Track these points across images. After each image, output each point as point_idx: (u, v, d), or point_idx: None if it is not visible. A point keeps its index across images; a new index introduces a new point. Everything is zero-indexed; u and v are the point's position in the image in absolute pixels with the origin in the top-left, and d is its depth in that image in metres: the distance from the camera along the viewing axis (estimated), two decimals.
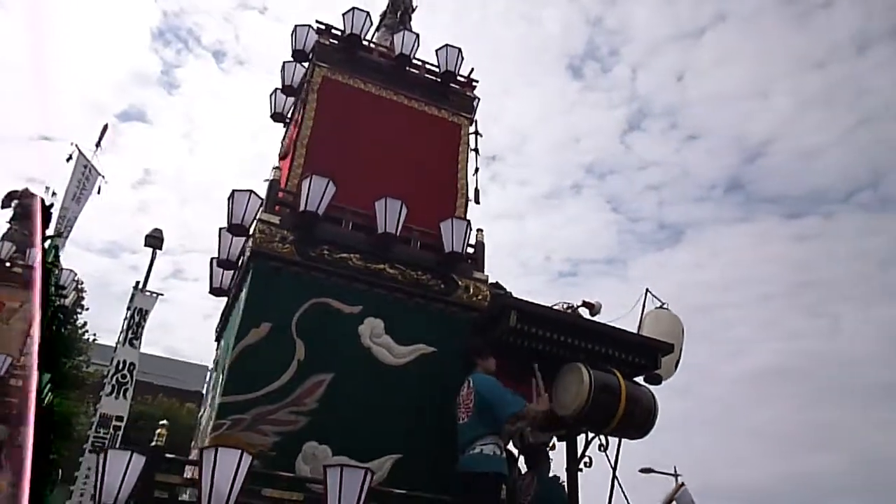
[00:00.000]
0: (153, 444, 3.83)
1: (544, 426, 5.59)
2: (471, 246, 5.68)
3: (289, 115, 7.24)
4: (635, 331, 6.06)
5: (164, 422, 4.11)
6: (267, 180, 7.10)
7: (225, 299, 6.31)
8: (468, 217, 6.00)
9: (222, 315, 6.26)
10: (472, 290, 5.44)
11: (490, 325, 5.27)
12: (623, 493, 5.28)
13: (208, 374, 6.05)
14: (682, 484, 5.66)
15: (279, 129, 7.41)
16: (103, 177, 8.08)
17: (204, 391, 6.06)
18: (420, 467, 4.57)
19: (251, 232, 5.16)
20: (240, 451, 3.70)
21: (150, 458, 3.78)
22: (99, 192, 8.03)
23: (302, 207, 5.03)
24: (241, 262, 5.70)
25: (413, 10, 7.71)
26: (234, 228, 5.28)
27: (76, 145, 7.90)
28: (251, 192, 5.38)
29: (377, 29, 7.60)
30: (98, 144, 8.05)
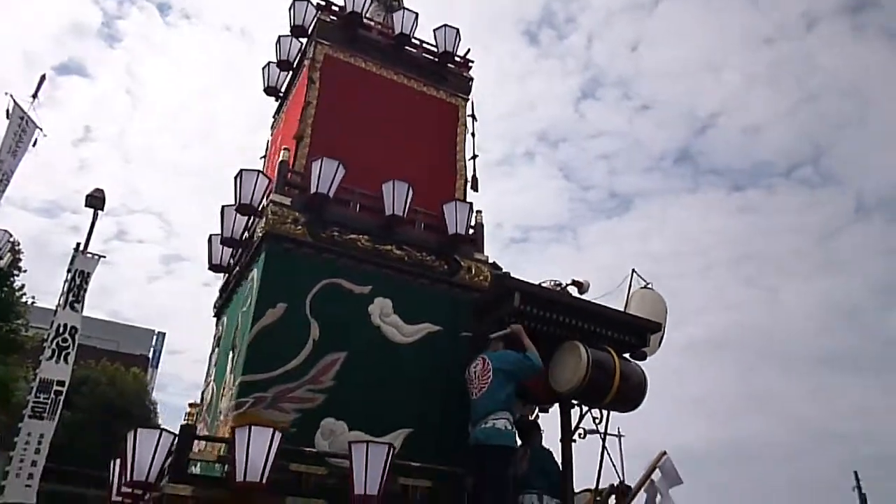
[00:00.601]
0: (184, 423, 3.95)
1: (537, 399, 5.93)
2: (471, 227, 5.85)
3: (282, 90, 7.21)
4: (622, 309, 6.40)
5: (192, 401, 4.23)
6: (263, 157, 7.13)
7: (223, 275, 6.38)
8: (467, 198, 6.18)
9: (222, 291, 6.32)
10: (473, 271, 5.64)
11: (492, 305, 5.51)
12: (613, 464, 5.66)
13: (213, 350, 6.11)
14: (665, 453, 6.06)
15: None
16: (41, 129, 7.69)
17: (208, 366, 6.14)
18: (429, 440, 4.81)
19: (263, 212, 5.22)
20: (272, 429, 3.87)
21: (182, 436, 3.91)
22: (35, 145, 7.62)
23: (313, 190, 5.12)
24: (244, 239, 5.76)
25: None
26: (243, 208, 5.33)
27: (10, 95, 7.49)
28: (259, 172, 5.43)
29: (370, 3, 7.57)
30: (35, 96, 7.58)
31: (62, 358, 7.10)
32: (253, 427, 3.82)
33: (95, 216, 8.12)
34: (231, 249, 6.09)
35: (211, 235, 6.15)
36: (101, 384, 20.27)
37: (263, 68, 7.27)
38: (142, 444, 3.94)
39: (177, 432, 3.97)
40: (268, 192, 5.41)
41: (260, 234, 5.05)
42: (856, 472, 30.23)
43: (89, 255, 7.68)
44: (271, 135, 7.44)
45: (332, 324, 4.89)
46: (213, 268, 6.21)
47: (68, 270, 7.53)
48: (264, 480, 3.76)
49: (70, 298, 7.42)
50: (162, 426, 4.10)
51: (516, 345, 5.00)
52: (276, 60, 6.96)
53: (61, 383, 6.96)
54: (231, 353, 5.13)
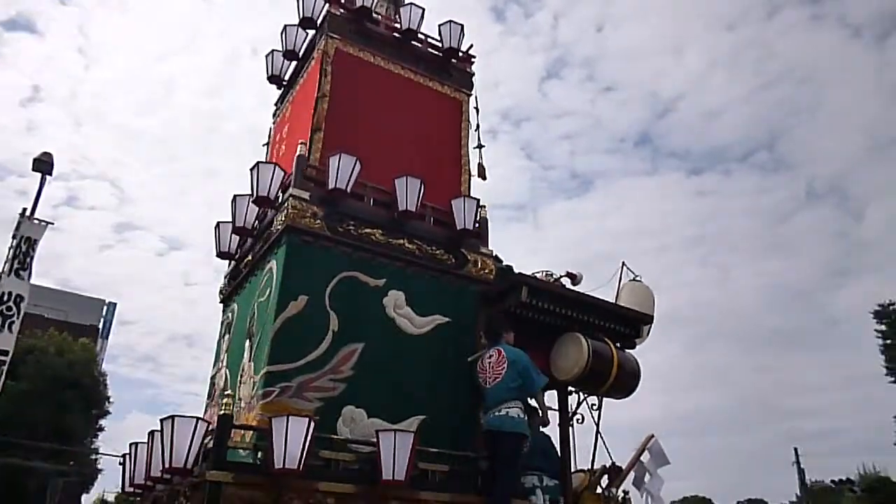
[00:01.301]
0: (223, 413, 4.12)
1: None
2: (476, 222, 6.08)
3: (286, 79, 7.27)
4: (612, 300, 6.75)
5: (229, 392, 4.39)
6: (265, 144, 7.21)
7: (230, 262, 6.49)
8: (472, 192, 6.40)
9: (230, 278, 6.43)
10: (479, 265, 5.89)
11: (498, 298, 5.78)
12: (606, 446, 6.03)
13: (223, 336, 6.24)
14: (653, 436, 6.48)
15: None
16: None
17: (218, 348, 6.28)
18: (441, 427, 5.08)
19: (280, 205, 5.36)
20: (307, 418, 4.08)
21: (222, 425, 4.09)
22: None
23: (332, 185, 5.27)
24: (255, 229, 5.88)
25: None
26: (261, 200, 5.46)
27: None
28: (276, 164, 5.55)
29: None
30: None
31: (6, 327, 6.94)
32: (290, 417, 4.03)
33: (43, 181, 7.87)
34: (238, 238, 6.19)
35: (219, 223, 6.23)
36: (48, 354, 20.02)
37: (267, 56, 7.30)
38: (179, 432, 4.11)
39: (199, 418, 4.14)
40: (283, 184, 5.54)
41: (279, 227, 5.18)
42: (795, 449, 31.93)
43: (36, 221, 7.45)
44: (273, 123, 7.49)
45: (350, 315, 5.09)
46: (221, 255, 6.30)
47: (13, 236, 7.31)
48: (301, 467, 3.98)
49: (15, 265, 7.18)
50: (196, 417, 4.23)
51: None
52: (282, 50, 7.00)
53: (4, 353, 6.81)
54: (248, 341, 5.28)
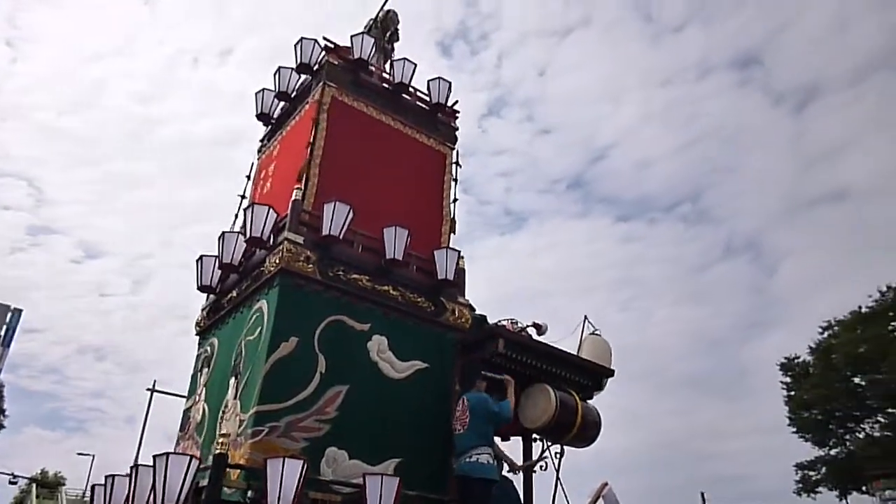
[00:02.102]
0: (218, 452, 4.24)
1: (501, 433, 6.55)
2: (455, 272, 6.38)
3: (274, 117, 7.48)
4: (574, 352, 7.15)
5: (224, 432, 4.50)
6: (248, 177, 7.38)
7: (209, 296, 6.57)
8: (450, 242, 6.72)
9: (209, 311, 6.51)
10: (457, 314, 6.18)
11: (474, 346, 6.10)
12: (564, 492, 6.36)
13: (199, 369, 6.29)
14: (607, 483, 6.84)
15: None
16: None
17: (193, 381, 6.32)
18: (417, 469, 5.29)
19: (272, 246, 5.54)
20: (302, 460, 4.25)
21: (217, 465, 4.21)
22: None
23: (325, 231, 5.50)
24: (242, 267, 6.02)
25: (398, 30, 8.15)
26: (254, 241, 5.63)
27: None
28: (269, 206, 5.73)
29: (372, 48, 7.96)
30: None
31: None
32: (286, 459, 4.19)
33: None
34: (221, 272, 6.29)
35: (202, 256, 6.33)
36: None
37: (257, 93, 7.50)
38: (172, 469, 4.20)
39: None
40: (276, 226, 5.72)
41: (273, 269, 5.36)
42: (702, 494, 33.14)
43: None
44: (258, 158, 7.65)
45: (337, 358, 5.29)
46: (203, 289, 6.38)
47: None
48: None
49: None
50: (189, 454, 4.33)
51: (500, 390, 5.62)
52: (274, 90, 7.22)
53: None
54: (234, 379, 5.39)
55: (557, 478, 6.36)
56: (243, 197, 7.37)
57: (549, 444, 6.27)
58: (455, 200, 7.07)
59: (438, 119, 7.31)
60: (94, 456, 36.68)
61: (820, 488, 27.73)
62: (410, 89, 7.19)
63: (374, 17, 8.19)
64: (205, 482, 4.31)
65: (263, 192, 7.01)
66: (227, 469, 4.55)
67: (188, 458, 4.28)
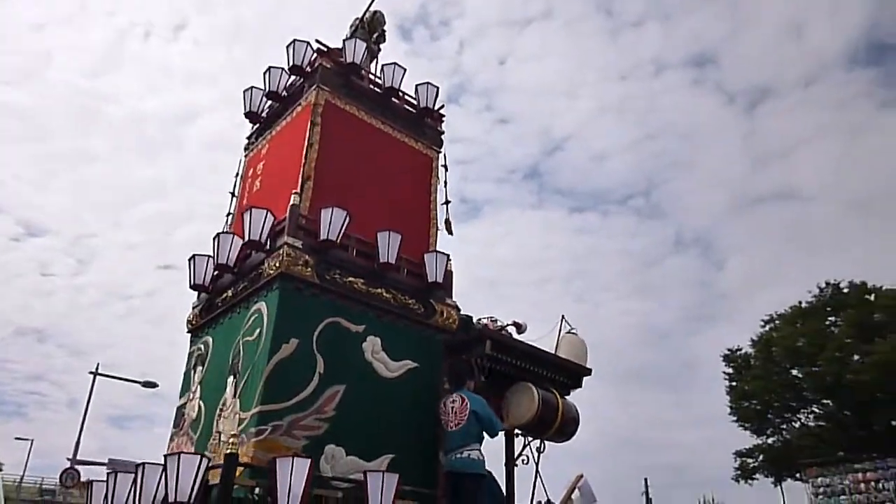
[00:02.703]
0: (229, 452, 4.42)
1: None
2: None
3: (263, 115, 7.56)
4: (552, 349, 7.51)
5: (234, 433, 4.67)
6: (237, 176, 7.46)
7: (200, 294, 6.68)
8: (438, 244, 6.96)
9: (203, 310, 6.61)
10: (445, 315, 6.44)
11: (462, 347, 6.37)
12: (543, 485, 6.71)
13: (193, 367, 6.40)
14: (582, 475, 7.24)
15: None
16: None
17: (186, 378, 6.43)
18: (408, 465, 5.55)
19: (269, 249, 5.69)
20: (309, 459, 4.47)
21: (228, 464, 4.39)
22: None
23: (323, 236, 5.67)
24: (237, 268, 6.15)
25: (385, 31, 8.29)
26: (252, 244, 5.76)
27: None
28: (268, 210, 5.87)
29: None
30: None
31: None
32: (295, 458, 4.40)
33: None
34: (216, 272, 6.40)
35: (195, 256, 6.42)
36: None
37: (245, 91, 7.55)
38: (184, 468, 4.37)
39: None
40: (273, 229, 5.86)
41: (272, 273, 5.52)
42: (646, 480, 34.50)
43: None
44: (245, 156, 7.73)
45: (334, 359, 5.50)
46: (196, 287, 6.49)
47: None
48: None
49: None
50: (200, 453, 4.50)
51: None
52: (264, 89, 7.30)
53: None
54: (233, 377, 5.55)
55: (537, 471, 6.72)
56: (234, 195, 7.45)
57: (531, 439, 6.61)
58: (447, 203, 7.30)
59: (425, 123, 7.51)
60: (32, 441, 35.74)
61: (756, 475, 29.12)
62: (399, 93, 7.36)
63: (360, 16, 8.29)
64: (214, 481, 4.49)
65: (253, 190, 7.11)
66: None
67: (199, 457, 4.45)
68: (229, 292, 6.21)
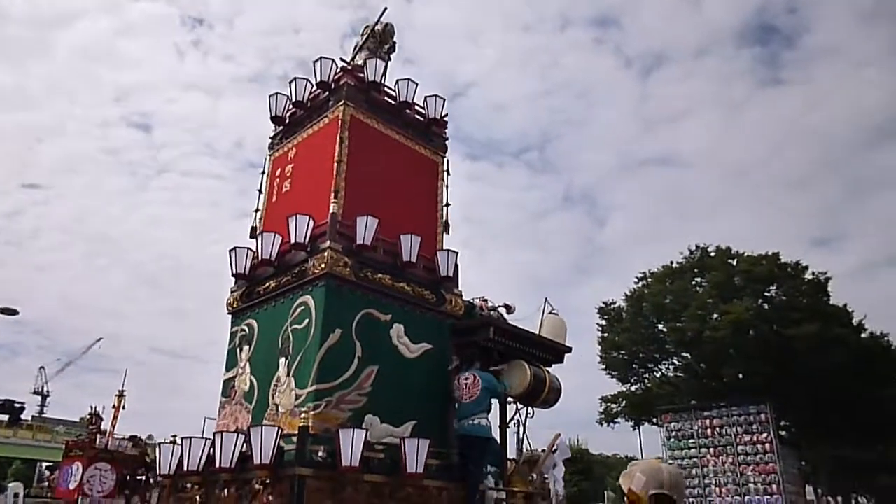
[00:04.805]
0: (302, 425, 5.55)
1: None
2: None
3: (287, 118, 8.41)
4: (536, 329, 8.80)
5: (305, 409, 5.78)
6: (263, 173, 8.36)
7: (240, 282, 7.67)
8: (444, 243, 8.08)
9: (244, 296, 7.59)
10: (453, 303, 7.63)
11: (466, 331, 7.59)
12: (529, 444, 8.10)
13: (239, 346, 7.43)
14: (559, 434, 8.65)
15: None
16: None
17: (232, 355, 7.47)
18: (427, 430, 6.78)
19: (320, 253, 6.69)
20: (365, 430, 5.66)
21: (302, 433, 5.53)
22: None
23: (359, 241, 6.73)
24: (277, 262, 7.15)
25: (395, 42, 9.13)
26: (297, 245, 6.78)
27: None
28: (310, 216, 6.86)
29: (359, 51, 8.94)
30: None
31: None
32: (355, 430, 5.59)
33: None
34: (254, 262, 7.39)
35: (235, 248, 7.40)
36: None
37: (270, 97, 8.37)
38: (265, 437, 5.50)
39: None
40: (312, 232, 6.86)
41: (317, 272, 6.56)
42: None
43: None
44: (270, 155, 8.59)
45: (368, 344, 6.63)
46: (237, 276, 7.47)
47: None
48: (358, 465, 5.57)
49: None
50: (276, 425, 5.62)
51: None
52: (292, 98, 8.15)
53: None
54: (284, 359, 6.61)
55: (525, 433, 8.10)
56: (260, 192, 8.34)
57: (522, 406, 7.95)
58: (448, 205, 8.37)
59: (433, 131, 8.51)
60: None
61: (618, 419, 32.15)
62: (413, 105, 8.31)
63: (370, 26, 9.11)
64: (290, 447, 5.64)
65: (283, 191, 8.03)
66: (284, 430, 5.88)
67: (276, 428, 5.59)
68: (271, 283, 7.22)
